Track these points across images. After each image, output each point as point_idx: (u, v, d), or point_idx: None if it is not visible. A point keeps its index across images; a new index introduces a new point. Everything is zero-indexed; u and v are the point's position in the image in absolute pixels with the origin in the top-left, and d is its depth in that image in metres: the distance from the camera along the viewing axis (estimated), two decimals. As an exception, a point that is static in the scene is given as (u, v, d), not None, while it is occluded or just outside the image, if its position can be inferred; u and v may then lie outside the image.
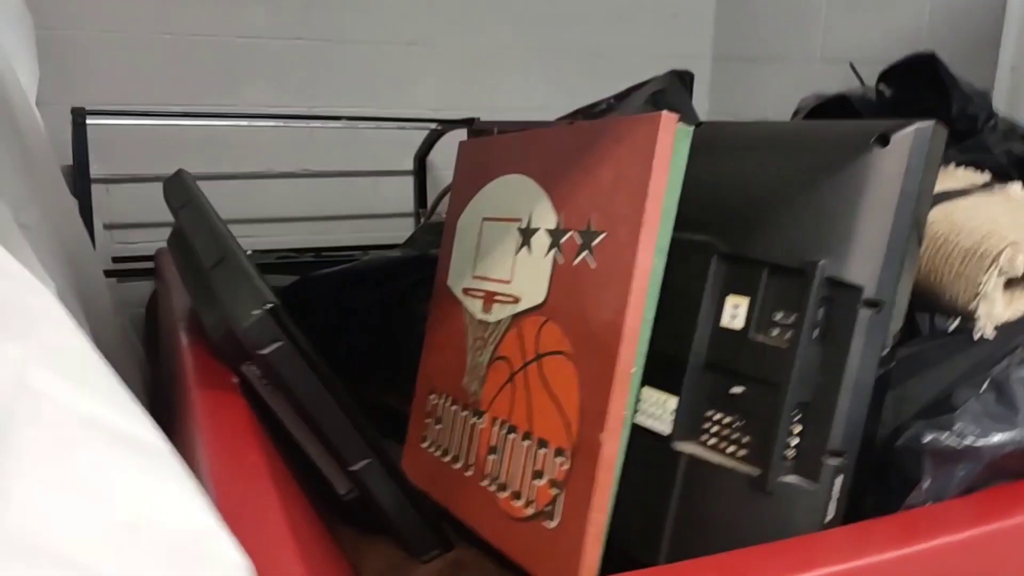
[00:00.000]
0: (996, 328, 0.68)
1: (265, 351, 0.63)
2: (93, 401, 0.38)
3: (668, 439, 0.66)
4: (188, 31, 1.49)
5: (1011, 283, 0.70)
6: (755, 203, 0.64)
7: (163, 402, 1.06)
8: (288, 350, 0.63)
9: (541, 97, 1.86)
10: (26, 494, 0.32)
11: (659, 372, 0.67)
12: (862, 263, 0.59)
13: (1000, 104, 1.32)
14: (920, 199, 0.59)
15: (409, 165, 1.73)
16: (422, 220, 1.72)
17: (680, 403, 0.66)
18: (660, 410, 0.67)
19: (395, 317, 1.08)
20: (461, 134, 1.72)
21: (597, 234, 0.67)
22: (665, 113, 0.62)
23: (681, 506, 0.65)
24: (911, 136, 0.58)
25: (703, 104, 2.08)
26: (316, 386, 0.66)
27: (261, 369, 0.67)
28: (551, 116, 1.41)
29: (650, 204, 0.62)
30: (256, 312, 0.62)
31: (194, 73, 1.52)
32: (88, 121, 1.20)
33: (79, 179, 1.21)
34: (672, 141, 0.63)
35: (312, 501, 0.78)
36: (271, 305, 0.63)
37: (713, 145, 0.69)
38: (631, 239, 0.63)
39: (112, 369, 0.43)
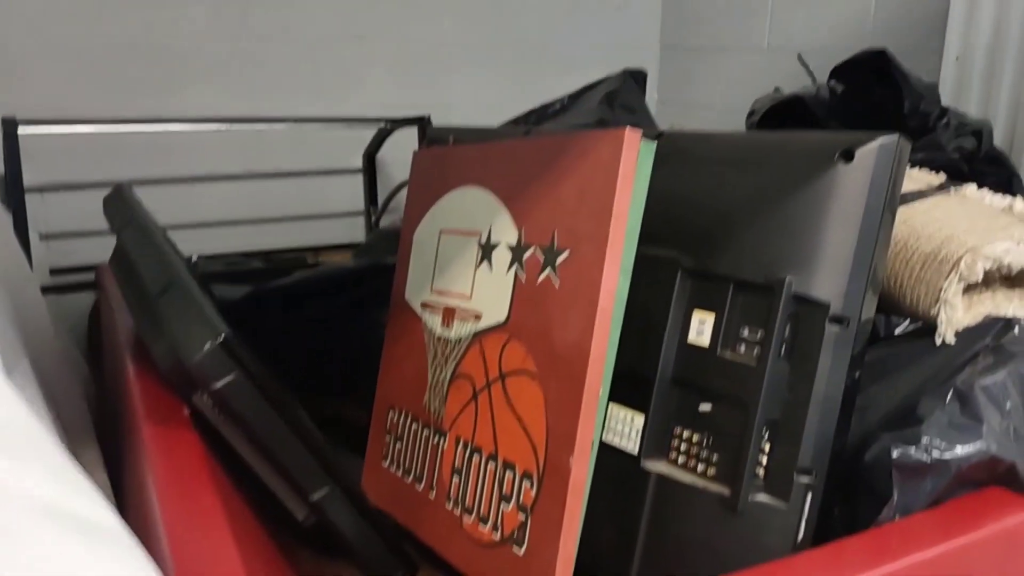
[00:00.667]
0: (957, 333, 0.68)
1: (218, 385, 0.60)
2: (39, 481, 0.36)
3: (636, 458, 0.65)
4: (124, 34, 1.43)
5: (971, 287, 0.71)
6: (719, 218, 0.63)
7: (108, 421, 1.02)
8: (241, 382, 0.61)
9: (491, 92, 1.83)
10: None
11: (626, 389, 0.66)
12: (828, 279, 0.58)
13: (945, 94, 1.33)
14: (885, 214, 0.58)
15: (358, 163, 1.70)
16: (373, 219, 1.69)
17: (648, 421, 0.65)
18: (628, 428, 0.66)
19: (352, 327, 1.05)
20: (410, 130, 1.69)
21: (560, 252, 0.65)
22: (629, 129, 0.61)
23: (651, 526, 0.64)
24: (875, 151, 0.58)
25: (652, 94, 2.07)
26: (271, 417, 0.64)
27: (214, 401, 0.64)
28: (502, 112, 1.39)
29: (615, 223, 0.61)
30: (207, 345, 0.59)
31: (132, 77, 1.46)
32: (20, 131, 1.15)
33: (12, 191, 1.15)
34: (636, 158, 0.61)
35: (271, 526, 0.76)
36: (223, 336, 0.60)
37: (676, 157, 0.68)
38: (596, 258, 0.61)
39: (56, 440, 0.40)
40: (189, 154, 1.57)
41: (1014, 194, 1.10)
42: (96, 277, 1.17)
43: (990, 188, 1.09)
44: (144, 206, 0.90)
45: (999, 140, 1.27)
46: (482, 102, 1.81)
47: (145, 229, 0.81)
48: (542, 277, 0.67)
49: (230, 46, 1.54)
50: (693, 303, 0.64)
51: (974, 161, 1.03)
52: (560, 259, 0.65)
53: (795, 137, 0.63)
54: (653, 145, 0.63)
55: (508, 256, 0.71)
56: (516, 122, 1.19)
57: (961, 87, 1.32)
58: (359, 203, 1.75)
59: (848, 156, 0.57)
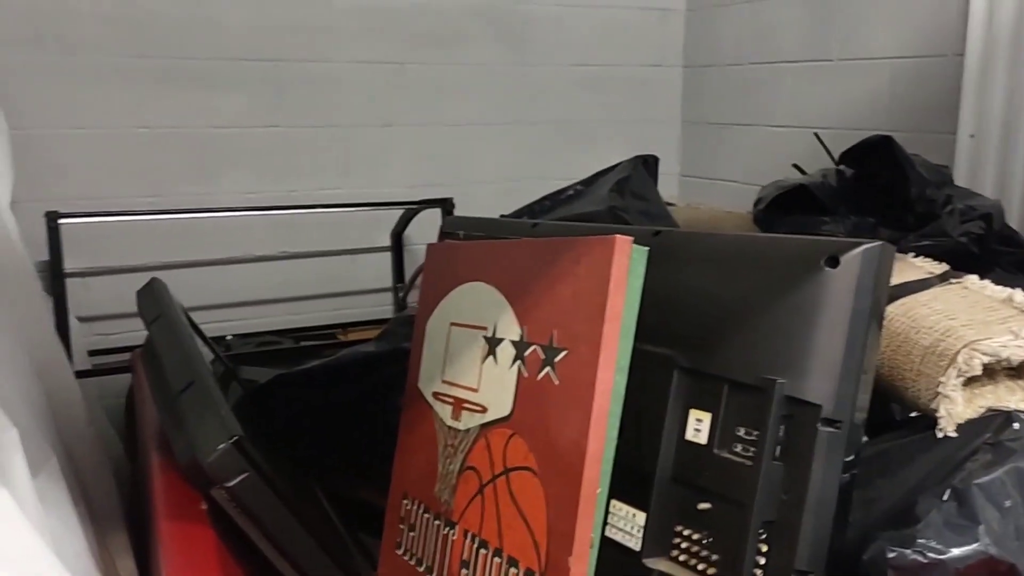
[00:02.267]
0: (959, 427, 0.69)
1: (231, 484, 0.63)
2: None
3: (638, 555, 0.66)
4: (163, 124, 1.51)
5: (973, 380, 0.71)
6: (713, 318, 0.65)
7: (140, 501, 1.05)
8: (253, 482, 0.63)
9: (514, 167, 1.88)
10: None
11: (628, 486, 0.67)
12: (819, 381, 0.59)
13: (960, 172, 1.35)
14: (872, 317, 0.60)
15: (385, 241, 1.75)
16: (400, 295, 1.73)
17: (648, 518, 0.66)
18: (630, 525, 0.67)
19: (372, 411, 1.07)
20: (436, 210, 1.74)
21: (559, 351, 0.67)
22: (619, 237, 0.63)
23: (653, 623, 0.64)
24: (860, 257, 0.59)
25: (674, 166, 2.11)
26: (281, 513, 0.66)
27: (228, 496, 0.67)
28: (526, 188, 1.43)
29: (608, 326, 0.63)
30: (221, 446, 0.62)
31: (170, 164, 1.53)
32: (62, 222, 1.21)
33: (53, 279, 1.21)
34: (627, 263, 0.64)
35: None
36: (236, 438, 0.63)
37: (672, 256, 0.70)
38: (591, 358, 0.64)
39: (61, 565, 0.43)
40: (224, 236, 1.64)
41: (1029, 273, 1.10)
42: (131, 361, 1.21)
43: (1005, 268, 1.10)
44: (174, 300, 0.94)
45: (1015, 216, 1.28)
46: (506, 179, 1.86)
47: (173, 324, 0.85)
48: (542, 375, 0.69)
49: (265, 133, 1.61)
50: (690, 401, 0.66)
51: (986, 243, 1.04)
52: (558, 358, 0.67)
53: (784, 241, 0.65)
54: (645, 251, 0.65)
55: (512, 352, 0.73)
56: (531, 208, 1.22)
57: (976, 164, 1.33)
58: (387, 280, 1.79)
59: (833, 262, 0.59)
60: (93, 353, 1.46)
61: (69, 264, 1.32)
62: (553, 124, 1.95)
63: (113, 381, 1.47)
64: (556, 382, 0.67)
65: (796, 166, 1.40)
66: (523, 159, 1.91)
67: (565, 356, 0.67)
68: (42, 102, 1.38)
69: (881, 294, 0.60)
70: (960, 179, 1.34)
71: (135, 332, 1.25)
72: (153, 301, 0.91)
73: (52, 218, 1.19)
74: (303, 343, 1.49)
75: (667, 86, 2.07)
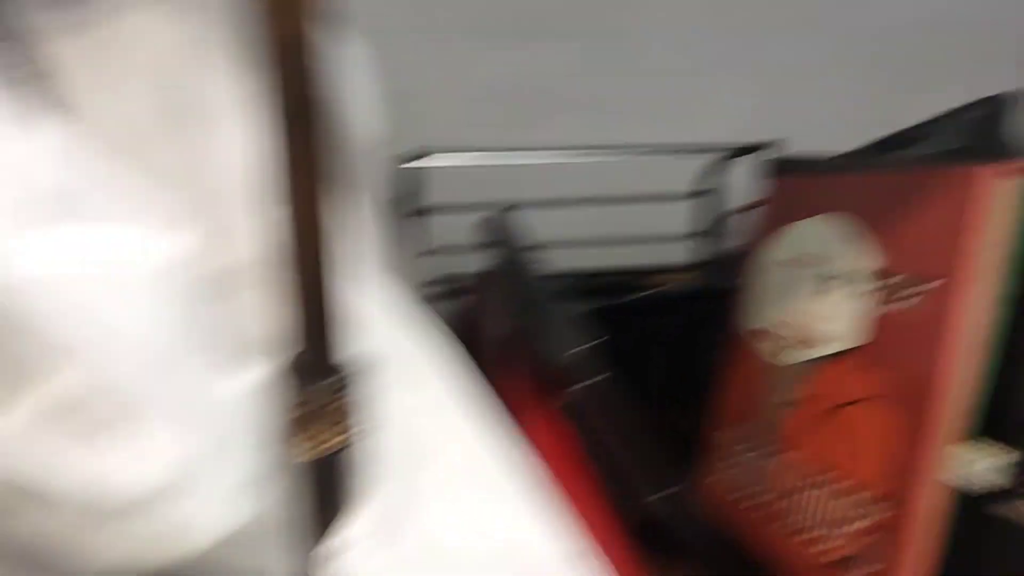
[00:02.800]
0: None
1: (589, 382, 0.69)
2: (485, 444, 0.46)
3: (1000, 495, 0.63)
4: (507, 76, 1.64)
5: None
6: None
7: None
8: (599, 385, 0.69)
9: (847, 116, 1.79)
10: (436, 508, 0.40)
11: (993, 423, 0.64)
12: None
13: None
14: None
15: (697, 187, 1.75)
16: (713, 244, 1.74)
17: (1017, 458, 0.63)
18: (993, 464, 0.65)
19: (696, 345, 1.11)
20: (748, 158, 1.71)
21: (927, 281, 0.65)
22: (1010, 163, 0.60)
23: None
24: None
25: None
26: (630, 415, 0.71)
27: (575, 400, 0.74)
28: (859, 137, 1.36)
29: (991, 253, 0.61)
30: (583, 347, 0.69)
31: (511, 111, 1.67)
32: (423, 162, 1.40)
33: (410, 214, 1.38)
34: (995, 194, 0.60)
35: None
36: (596, 340, 0.69)
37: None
38: (967, 288, 0.62)
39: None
40: (542, 180, 1.74)
41: None
42: (475, 288, 1.34)
43: None
44: (517, 229, 1.03)
45: None
46: (837, 127, 1.78)
47: (521, 247, 0.94)
48: (903, 305, 0.67)
49: (581, 82, 1.69)
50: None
51: None
52: (925, 287, 0.65)
53: None
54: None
55: (864, 284, 0.72)
56: (870, 149, 1.17)
57: None
58: (698, 227, 1.80)
59: None
60: (432, 282, 1.63)
61: (430, 201, 1.49)
62: (894, 68, 1.83)
63: (442, 310, 1.63)
64: (919, 312, 0.65)
65: None
66: (856, 105, 1.81)
67: (935, 286, 0.65)
68: (403, 59, 1.56)
69: None
70: None
71: (457, 266, 1.39)
72: (500, 227, 1.01)
73: (420, 155, 1.37)
74: (618, 281, 1.55)
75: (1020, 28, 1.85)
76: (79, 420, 0.34)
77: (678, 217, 1.85)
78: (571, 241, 1.84)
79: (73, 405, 0.34)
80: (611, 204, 1.84)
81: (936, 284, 0.64)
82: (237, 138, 0.41)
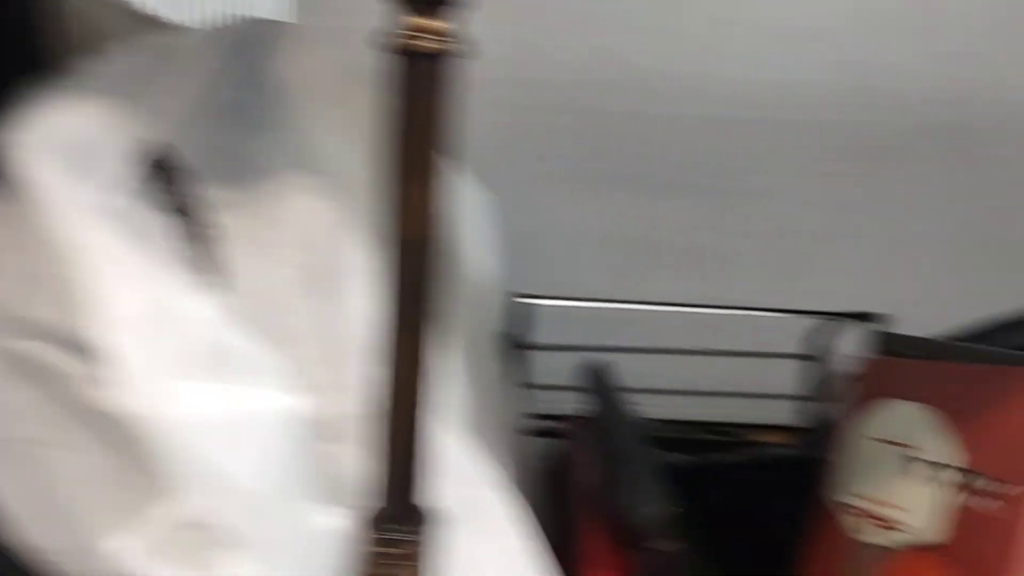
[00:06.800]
0: None
1: (662, 548, 0.72)
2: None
3: None
4: (616, 226, 1.73)
5: None
6: None
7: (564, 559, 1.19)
8: (681, 551, 0.71)
9: (955, 293, 1.78)
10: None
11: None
12: None
13: None
14: None
15: (802, 350, 1.75)
16: (813, 409, 1.72)
17: None
18: None
19: (786, 509, 1.10)
20: (857, 325, 1.71)
21: (1005, 483, 0.66)
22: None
23: None
24: None
25: None
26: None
27: (648, 560, 0.76)
28: (964, 314, 1.35)
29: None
30: (659, 511, 0.71)
31: (619, 263, 1.74)
32: (527, 301, 1.47)
33: (515, 349, 1.45)
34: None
35: None
36: (672, 507, 0.72)
37: None
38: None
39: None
40: (657, 330, 1.79)
41: None
42: (571, 430, 1.38)
43: None
44: (616, 379, 1.08)
45: None
46: (943, 303, 1.76)
47: (616, 398, 0.98)
48: (981, 505, 0.67)
49: (704, 238, 1.75)
50: None
51: None
52: (998, 491, 0.65)
53: None
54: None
55: (947, 477, 0.73)
56: (975, 333, 1.16)
57: None
58: (794, 387, 1.79)
59: None
60: (542, 417, 1.67)
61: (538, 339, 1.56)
62: (1006, 246, 1.80)
63: (552, 444, 1.67)
64: (995, 516, 0.65)
65: None
66: (966, 283, 1.79)
67: (1007, 491, 0.65)
68: (528, 204, 1.67)
69: None
70: None
71: (562, 405, 1.43)
72: (597, 374, 1.06)
73: (516, 298, 1.44)
74: (717, 437, 1.55)
75: None
76: (191, 540, 0.42)
77: (785, 379, 1.85)
78: (668, 390, 1.87)
79: (189, 526, 0.42)
80: (712, 356, 1.86)
81: (1019, 489, 0.64)
82: (361, 305, 0.48)
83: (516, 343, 1.51)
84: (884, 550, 0.78)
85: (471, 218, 1.47)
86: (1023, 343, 1.08)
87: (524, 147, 1.77)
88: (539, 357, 1.84)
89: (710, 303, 1.66)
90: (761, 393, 1.95)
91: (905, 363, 0.88)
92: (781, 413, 1.87)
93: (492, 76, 1.87)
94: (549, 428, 1.65)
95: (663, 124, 1.74)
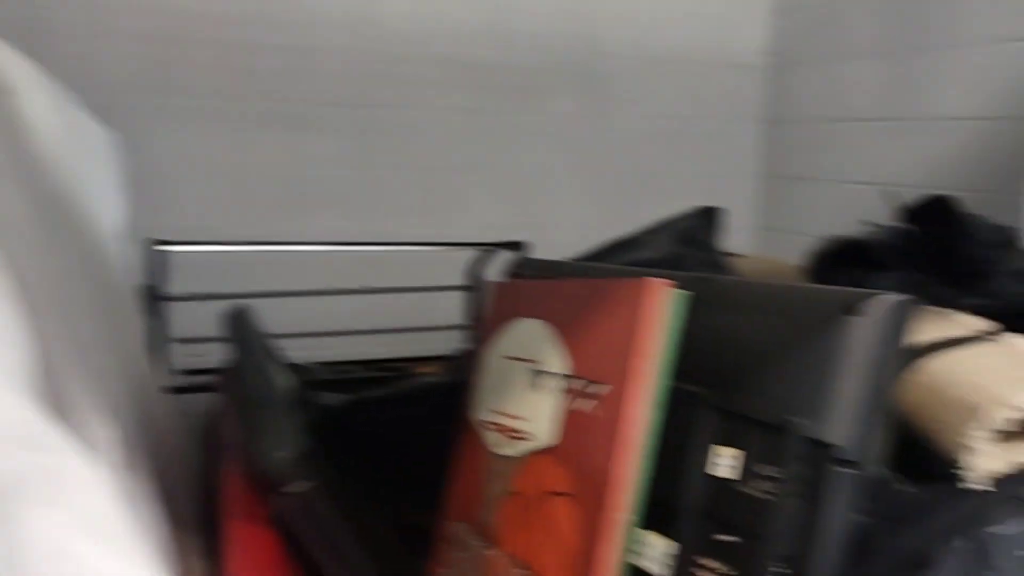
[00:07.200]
0: (989, 481, 0.70)
1: (293, 490, 0.70)
2: (122, 565, 0.45)
3: (669, 581, 0.70)
4: (259, 162, 1.64)
5: (1010, 436, 0.73)
6: (742, 360, 0.69)
7: (214, 512, 1.13)
8: (314, 490, 0.70)
9: (589, 215, 1.94)
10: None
11: (659, 517, 0.71)
12: (838, 424, 0.62)
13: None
14: (891, 366, 0.63)
15: (461, 280, 1.82)
16: (471, 331, 1.80)
17: (676, 549, 0.70)
18: (658, 554, 0.71)
19: (434, 439, 1.13)
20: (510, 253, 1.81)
21: (600, 384, 0.72)
22: (656, 280, 0.68)
23: (675, 650, 0.68)
24: (884, 308, 0.62)
25: (754, 220, 2.13)
26: (340, 525, 0.72)
27: (290, 503, 0.74)
28: (599, 234, 1.48)
29: (645, 362, 0.68)
30: (286, 454, 0.69)
31: (268, 201, 1.66)
32: (163, 248, 1.34)
33: (153, 301, 1.33)
34: (663, 305, 0.68)
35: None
36: (301, 448, 0.70)
37: (711, 301, 0.75)
38: (628, 393, 0.68)
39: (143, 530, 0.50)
40: (313, 269, 1.75)
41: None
42: (217, 385, 1.31)
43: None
44: (257, 325, 1.03)
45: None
46: (581, 226, 1.92)
47: (254, 345, 0.94)
48: (584, 406, 0.74)
49: (352, 175, 1.73)
50: (719, 439, 0.69)
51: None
52: (599, 391, 0.72)
53: (810, 290, 0.68)
54: (685, 294, 0.70)
55: (558, 384, 0.78)
56: (596, 252, 1.27)
57: (1050, 226, 1.32)
58: (460, 317, 1.87)
59: (854, 312, 0.62)
60: (189, 372, 1.57)
61: (175, 289, 1.44)
62: (631, 175, 2.00)
63: (199, 399, 1.58)
64: (596, 414, 0.72)
65: (867, 223, 1.41)
66: (599, 208, 1.96)
67: (605, 390, 0.71)
68: (159, 141, 1.53)
69: (900, 345, 0.63)
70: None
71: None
72: (237, 323, 1.00)
73: (157, 245, 1.31)
74: (379, 373, 1.57)
75: (746, 140, 2.10)
76: None
77: (448, 308, 1.92)
78: (341, 331, 1.86)
79: None
80: (374, 293, 1.87)
81: (609, 388, 0.71)
82: None
83: (156, 294, 1.39)
84: (515, 460, 0.83)
85: (92, 157, 1.32)
86: (631, 260, 1.21)
87: (157, 81, 1.61)
88: (189, 308, 1.73)
89: (366, 240, 1.66)
90: (427, 327, 2.02)
91: (529, 284, 0.93)
92: (453, 344, 1.95)
93: (120, 3, 1.69)
94: (202, 383, 1.57)
95: (307, 58, 1.68)
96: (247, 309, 1.08)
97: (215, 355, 1.61)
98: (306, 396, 1.14)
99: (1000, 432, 0.71)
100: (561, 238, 1.98)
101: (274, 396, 0.80)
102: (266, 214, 1.65)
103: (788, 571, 0.63)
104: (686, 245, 1.18)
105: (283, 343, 1.70)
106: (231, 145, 1.63)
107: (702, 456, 0.70)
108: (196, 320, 1.63)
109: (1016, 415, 0.69)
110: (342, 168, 1.71)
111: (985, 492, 0.69)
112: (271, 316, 1.70)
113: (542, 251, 1.76)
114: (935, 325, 0.90)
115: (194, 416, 1.50)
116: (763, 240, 2.11)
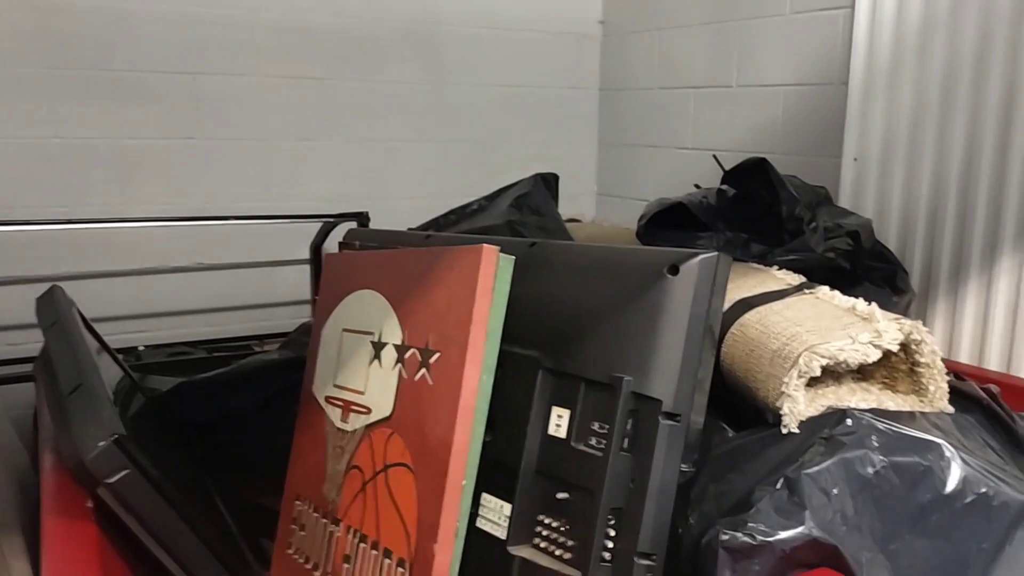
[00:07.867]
0: (801, 424, 0.75)
1: (111, 480, 0.66)
2: None
3: (504, 543, 0.71)
4: (77, 135, 1.52)
5: (815, 381, 0.78)
6: (572, 322, 0.70)
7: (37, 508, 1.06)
8: (134, 479, 0.66)
9: (431, 184, 1.93)
10: None
11: (496, 479, 0.72)
12: (661, 379, 0.65)
13: (844, 192, 1.44)
14: (708, 321, 0.65)
15: (305, 254, 1.77)
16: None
17: (514, 508, 0.71)
18: (497, 515, 0.72)
19: (272, 418, 1.10)
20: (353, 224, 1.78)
21: (433, 353, 0.72)
22: (486, 246, 0.68)
23: (516, 607, 0.69)
24: (697, 266, 0.65)
25: (591, 185, 2.18)
26: (166, 512, 0.69)
27: (110, 493, 0.70)
28: (442, 203, 1.47)
29: (475, 328, 0.68)
30: (102, 443, 0.65)
31: (85, 174, 1.54)
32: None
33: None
34: (494, 271, 0.69)
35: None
36: (116, 435, 0.66)
37: (543, 265, 0.75)
38: (459, 360, 0.68)
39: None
40: (140, 247, 1.65)
41: (896, 285, 1.19)
42: (34, 370, 1.22)
43: (874, 282, 1.18)
44: (71, 308, 0.96)
45: (893, 234, 1.37)
46: (423, 195, 1.91)
47: (66, 330, 0.87)
48: (419, 376, 0.73)
49: (182, 144, 1.63)
50: (552, 399, 0.71)
51: (856, 258, 1.12)
52: (432, 360, 0.71)
53: (635, 252, 0.70)
54: (512, 259, 0.70)
55: (394, 355, 0.78)
56: (436, 221, 1.27)
57: (859, 186, 1.42)
58: (307, 292, 1.82)
59: (674, 270, 0.65)
60: (4, 363, 1.45)
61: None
62: (471, 143, 2.00)
63: (24, 390, 1.46)
64: (430, 383, 0.71)
65: (697, 186, 1.48)
66: (441, 176, 1.95)
67: (438, 358, 0.71)
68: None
69: (717, 299, 0.66)
70: (844, 200, 1.43)
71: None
72: (50, 307, 0.93)
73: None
74: (216, 353, 1.50)
75: (583, 108, 2.14)
76: None
77: (291, 283, 1.87)
78: (175, 311, 1.76)
79: None
80: (211, 271, 1.79)
81: (441, 355, 0.71)
82: None
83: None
84: (355, 434, 0.81)
85: None
86: (470, 228, 1.21)
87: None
88: (4, 293, 1.59)
89: (200, 216, 1.58)
90: (270, 303, 1.95)
91: (363, 255, 0.91)
92: (300, 319, 1.89)
93: None
94: (23, 373, 1.46)
95: (130, 23, 1.56)
96: (58, 292, 1.00)
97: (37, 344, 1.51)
98: (130, 382, 1.08)
99: (812, 378, 0.76)
100: (405, 207, 1.97)
101: (86, 384, 0.75)
102: (89, 191, 1.53)
103: (619, 521, 0.65)
104: (523, 211, 1.19)
105: (112, 327, 1.60)
106: (46, 117, 1.49)
107: (539, 417, 0.71)
108: (11, 307, 1.51)
109: (828, 362, 0.74)
110: (171, 139, 1.61)
111: (797, 435, 0.74)
112: (98, 299, 1.59)
113: (386, 221, 1.74)
114: (754, 280, 0.95)
115: (21, 408, 1.39)
116: (601, 205, 2.17)
